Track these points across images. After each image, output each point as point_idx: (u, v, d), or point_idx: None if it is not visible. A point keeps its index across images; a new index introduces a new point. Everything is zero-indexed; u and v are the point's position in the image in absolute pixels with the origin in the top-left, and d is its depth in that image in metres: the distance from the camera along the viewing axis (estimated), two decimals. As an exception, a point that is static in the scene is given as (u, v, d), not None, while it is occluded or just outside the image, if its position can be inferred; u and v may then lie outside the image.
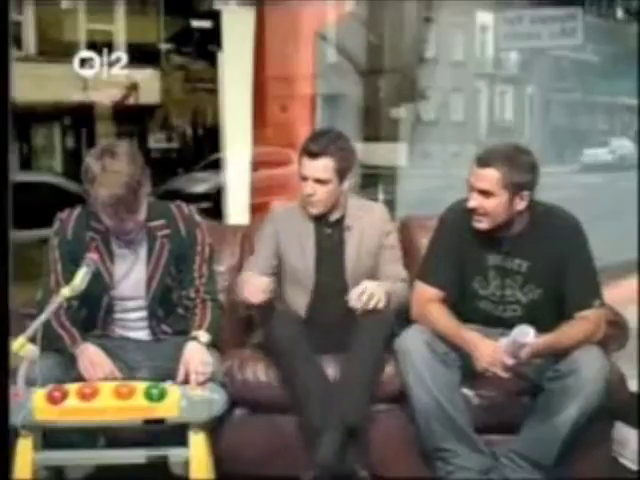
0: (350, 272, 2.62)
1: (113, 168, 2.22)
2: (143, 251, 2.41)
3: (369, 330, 2.41)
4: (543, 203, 2.43)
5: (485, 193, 2.33)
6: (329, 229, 2.67)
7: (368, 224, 2.67)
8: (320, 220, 2.66)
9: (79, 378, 2.23)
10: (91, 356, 2.28)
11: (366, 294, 2.41)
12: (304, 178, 2.60)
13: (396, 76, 6.59)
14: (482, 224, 2.38)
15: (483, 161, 2.34)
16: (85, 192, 2.27)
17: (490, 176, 2.32)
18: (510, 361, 2.24)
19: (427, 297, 2.45)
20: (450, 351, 2.36)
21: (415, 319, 2.46)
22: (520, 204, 2.35)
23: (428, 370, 2.32)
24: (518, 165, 2.33)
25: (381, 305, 2.42)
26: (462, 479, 2.32)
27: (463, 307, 2.45)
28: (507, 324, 2.39)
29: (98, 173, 2.22)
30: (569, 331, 2.32)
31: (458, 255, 2.45)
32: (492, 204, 2.34)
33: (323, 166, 2.56)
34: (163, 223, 2.43)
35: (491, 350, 2.27)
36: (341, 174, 2.59)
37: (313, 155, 2.57)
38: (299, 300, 2.64)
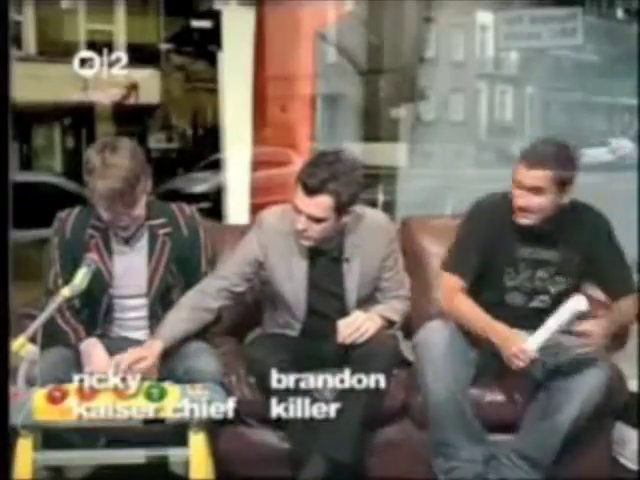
0: (351, 303, 2.45)
1: (113, 161, 2.24)
2: (144, 249, 2.41)
3: (368, 360, 2.25)
4: None
5: (535, 190, 2.34)
6: (325, 260, 2.43)
7: (368, 253, 2.44)
8: (314, 249, 2.42)
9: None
10: (91, 350, 2.30)
11: (355, 329, 2.33)
12: (297, 210, 2.31)
13: (396, 76, 6.59)
14: (527, 220, 2.38)
15: (532, 161, 2.34)
16: (85, 184, 2.29)
17: (541, 175, 2.33)
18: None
19: (454, 287, 2.43)
20: (469, 350, 2.38)
21: (444, 310, 2.46)
22: (565, 199, 2.38)
23: (447, 366, 2.32)
24: (565, 162, 2.37)
25: (371, 332, 2.34)
26: (463, 475, 2.32)
27: (490, 299, 2.44)
28: (533, 316, 2.38)
29: (98, 165, 2.24)
30: (622, 307, 2.38)
31: (485, 248, 2.44)
32: (540, 201, 2.35)
33: (318, 204, 2.27)
34: (164, 221, 2.43)
35: (520, 344, 2.26)
36: (340, 210, 2.30)
37: (308, 191, 2.26)
38: (291, 322, 2.48)
